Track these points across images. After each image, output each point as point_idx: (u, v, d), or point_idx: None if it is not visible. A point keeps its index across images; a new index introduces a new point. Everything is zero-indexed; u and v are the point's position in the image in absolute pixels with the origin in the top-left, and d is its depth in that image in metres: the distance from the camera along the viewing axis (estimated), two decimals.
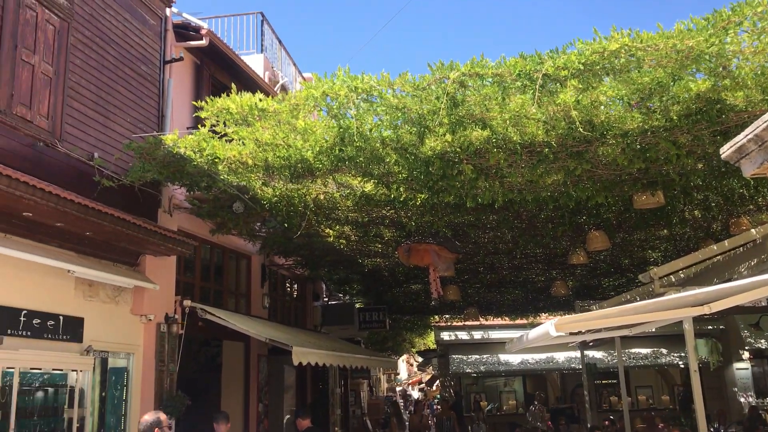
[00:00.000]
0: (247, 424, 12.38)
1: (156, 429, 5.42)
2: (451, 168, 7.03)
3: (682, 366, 19.72)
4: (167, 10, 10.63)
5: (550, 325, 5.12)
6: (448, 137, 6.45)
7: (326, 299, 18.28)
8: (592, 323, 5.74)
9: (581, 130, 6.27)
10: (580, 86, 6.01)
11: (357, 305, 18.64)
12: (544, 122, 6.44)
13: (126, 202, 8.68)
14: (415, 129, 6.54)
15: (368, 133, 6.69)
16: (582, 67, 5.84)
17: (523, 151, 6.79)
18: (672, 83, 5.90)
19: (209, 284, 12.13)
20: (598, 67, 5.91)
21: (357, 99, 6.30)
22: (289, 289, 16.53)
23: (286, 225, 10.48)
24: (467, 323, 20.30)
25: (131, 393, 9.18)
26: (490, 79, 6.14)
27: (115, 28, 9.28)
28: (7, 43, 7.30)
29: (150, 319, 9.51)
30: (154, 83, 10.16)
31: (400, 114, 6.43)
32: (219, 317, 10.28)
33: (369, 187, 8.35)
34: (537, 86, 6.02)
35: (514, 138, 6.58)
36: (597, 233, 10.33)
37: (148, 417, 5.48)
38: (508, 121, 6.43)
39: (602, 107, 6.31)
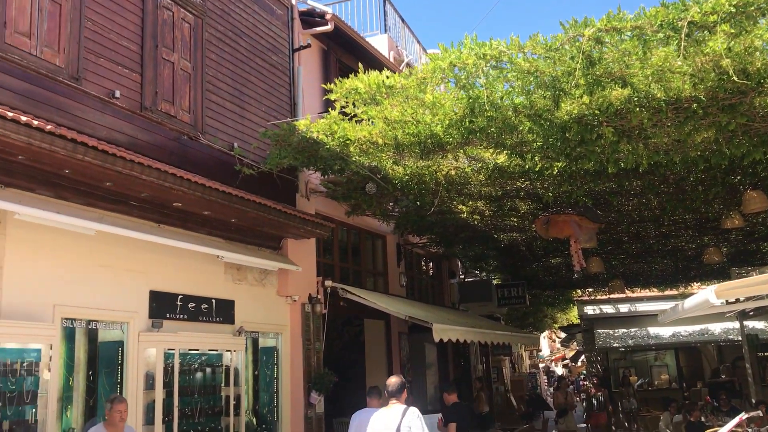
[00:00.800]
0: None
1: (405, 389, 6.11)
2: (590, 132, 6.65)
3: None
4: None
5: (709, 292, 4.73)
6: (586, 99, 6.09)
7: (462, 276, 18.17)
8: (757, 288, 5.26)
9: (735, 79, 5.70)
10: (732, 31, 5.46)
11: (495, 281, 18.38)
12: (691, 75, 5.93)
13: (266, 189, 8.99)
14: (549, 93, 6.24)
15: (499, 101, 6.46)
16: (734, 10, 5.30)
17: (668, 108, 6.30)
18: None
19: (348, 265, 12.39)
20: (752, 8, 5.34)
21: (486, 67, 6.09)
22: (424, 267, 16.58)
23: (418, 203, 10.46)
24: (612, 296, 19.46)
25: (281, 371, 9.56)
26: (629, 33, 5.72)
27: (246, 21, 9.59)
28: (148, 43, 7.73)
29: (295, 300, 9.85)
30: (284, 72, 10.43)
31: (532, 78, 6.15)
32: (359, 296, 10.48)
33: (502, 158, 8.12)
34: (682, 36, 5.54)
35: (658, 95, 6.11)
36: (754, 193, 9.46)
37: (396, 379, 6.21)
38: (650, 77, 5.97)
39: (758, 53, 5.70)
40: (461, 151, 7.77)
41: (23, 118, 5.33)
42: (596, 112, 6.31)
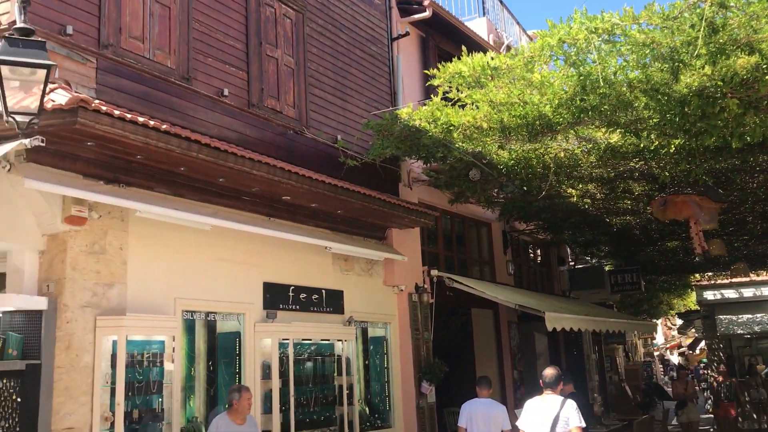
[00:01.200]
0: (504, 390, 12.36)
1: (561, 381, 6.08)
2: (712, 105, 6.20)
3: None
4: None
5: None
6: (708, 70, 5.68)
7: (572, 263, 17.62)
8: None
9: None
10: None
11: (607, 268, 17.71)
12: None
13: (369, 180, 9.00)
14: (667, 65, 5.86)
15: (612, 77, 6.13)
16: None
17: None
18: None
19: (453, 253, 12.26)
20: None
21: (598, 41, 5.79)
22: (532, 254, 16.19)
23: (524, 188, 10.18)
24: (734, 280, 18.34)
25: (391, 361, 9.58)
26: None
27: (344, 13, 9.62)
28: (253, 41, 7.88)
29: (401, 290, 9.84)
30: (384, 62, 10.41)
31: (648, 51, 5.79)
32: (467, 285, 10.34)
33: (615, 137, 7.74)
34: None
35: None
36: None
37: (552, 370, 6.13)
38: None
39: None
40: (571, 131, 7.46)
41: (140, 119, 5.53)
42: (719, 83, 5.89)
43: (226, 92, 7.37)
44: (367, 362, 9.39)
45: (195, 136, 6.04)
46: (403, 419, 9.46)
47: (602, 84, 6.10)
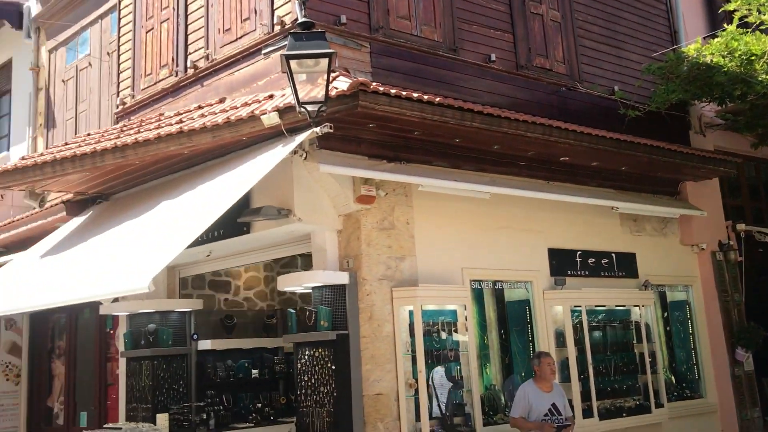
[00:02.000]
0: None
1: None
2: None
3: None
4: None
5: None
6: None
7: None
8: None
9: None
10: None
11: None
12: None
13: (654, 130, 8.27)
14: None
15: None
16: None
17: None
18: None
19: (761, 204, 10.80)
20: None
21: None
22: None
23: None
24: None
25: (696, 326, 8.76)
26: None
27: None
28: (515, 0, 7.61)
29: (702, 249, 8.92)
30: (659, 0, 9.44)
31: None
32: None
33: None
34: None
35: None
36: None
37: None
38: None
39: None
40: None
41: (415, 95, 5.64)
42: None
43: (493, 57, 7.24)
44: (668, 328, 8.66)
45: (467, 105, 6.02)
46: (716, 389, 8.57)
47: None
